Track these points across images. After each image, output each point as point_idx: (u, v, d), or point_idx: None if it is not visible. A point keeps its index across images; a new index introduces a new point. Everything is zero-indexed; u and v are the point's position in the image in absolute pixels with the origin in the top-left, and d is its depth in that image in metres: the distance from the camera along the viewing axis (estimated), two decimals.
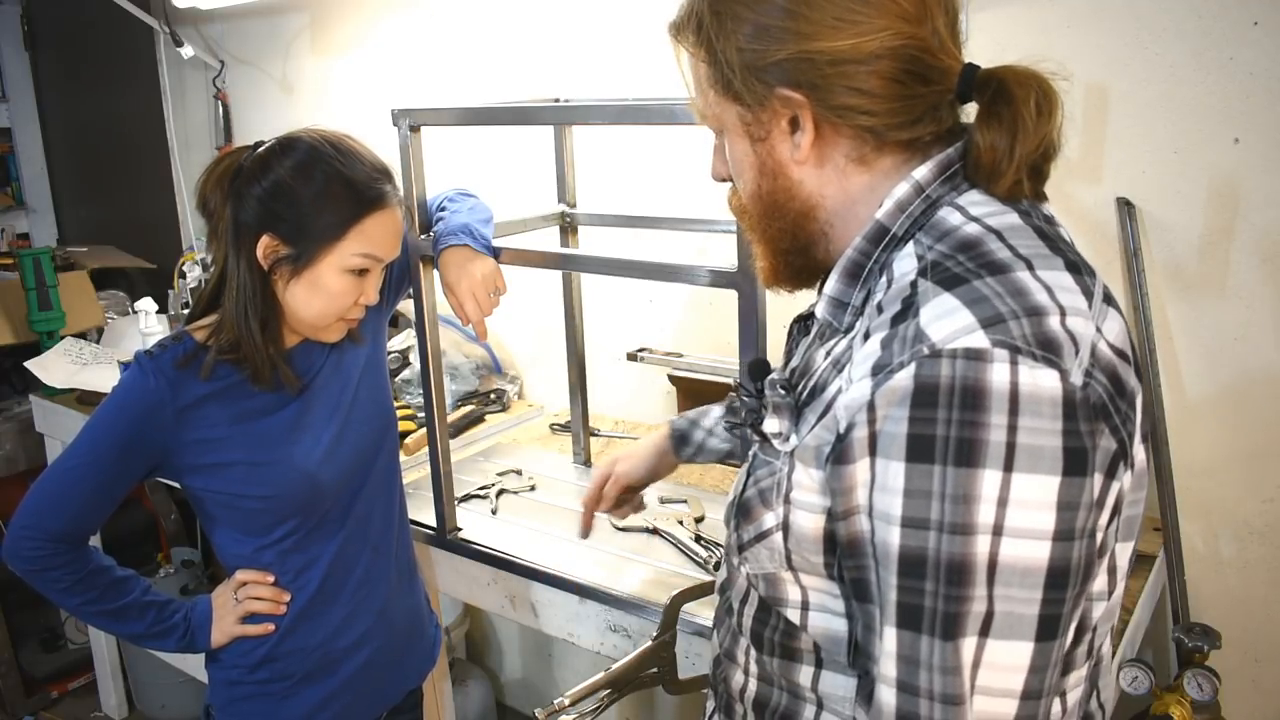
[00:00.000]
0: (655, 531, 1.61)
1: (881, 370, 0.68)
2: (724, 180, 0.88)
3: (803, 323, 0.94)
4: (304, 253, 1.23)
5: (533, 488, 1.83)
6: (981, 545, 0.65)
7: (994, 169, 0.75)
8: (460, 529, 1.67)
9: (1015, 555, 0.65)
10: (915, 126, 0.76)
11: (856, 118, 0.75)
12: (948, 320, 0.67)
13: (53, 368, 2.54)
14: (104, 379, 2.42)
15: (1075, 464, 0.65)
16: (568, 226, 1.83)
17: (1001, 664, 0.67)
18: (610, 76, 2.07)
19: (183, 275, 2.77)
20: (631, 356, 1.96)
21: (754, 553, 0.83)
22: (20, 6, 3.69)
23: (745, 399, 0.87)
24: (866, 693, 0.77)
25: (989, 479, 0.64)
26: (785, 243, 0.83)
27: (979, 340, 0.65)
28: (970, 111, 0.78)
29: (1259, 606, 1.59)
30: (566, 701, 1.11)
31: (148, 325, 2.32)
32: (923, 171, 0.76)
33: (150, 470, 1.29)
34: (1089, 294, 0.72)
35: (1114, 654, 1.36)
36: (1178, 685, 1.49)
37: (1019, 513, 0.64)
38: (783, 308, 1.34)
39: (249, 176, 1.24)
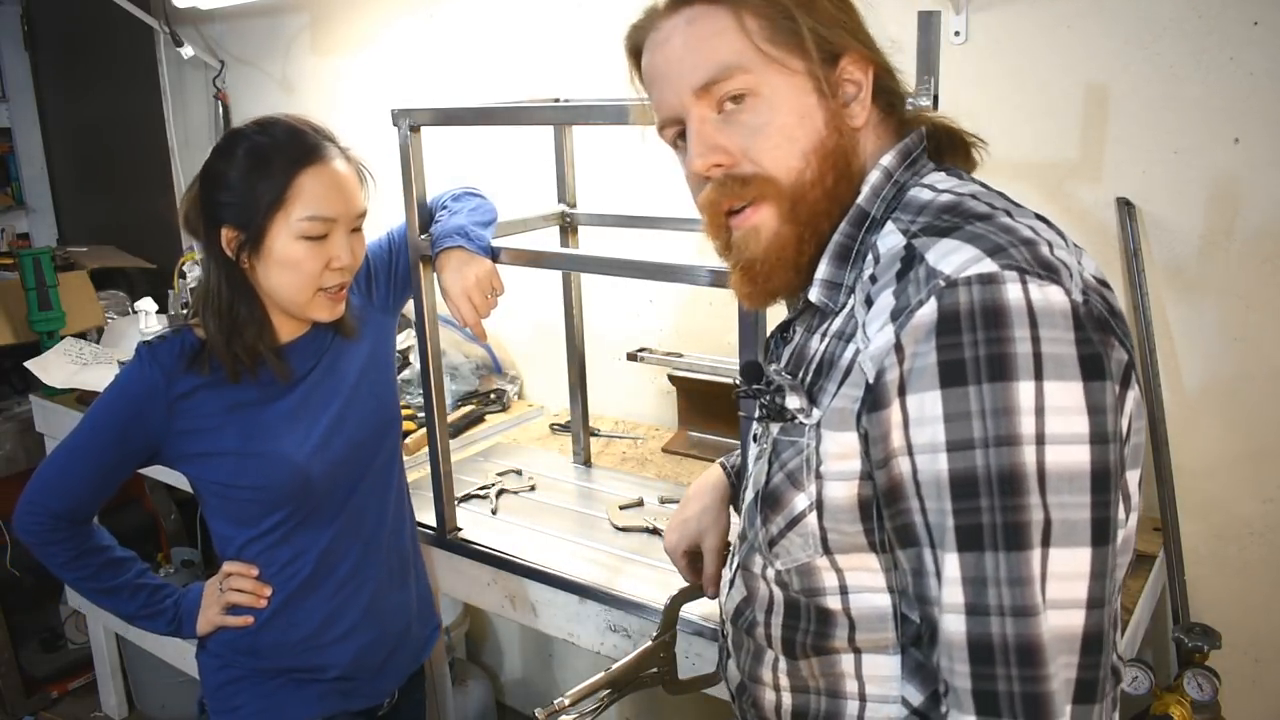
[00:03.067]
0: (655, 531, 1.61)
1: (902, 313, 0.71)
2: (718, 166, 0.83)
3: (780, 334, 0.95)
4: (254, 230, 1.25)
5: (533, 488, 1.83)
6: (1029, 454, 0.67)
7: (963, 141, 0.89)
8: (460, 529, 1.67)
9: (1060, 461, 0.67)
10: (899, 106, 0.87)
11: (893, 84, 0.85)
12: (956, 255, 0.71)
13: (53, 368, 2.54)
14: (104, 379, 2.42)
15: (1094, 369, 0.68)
16: (568, 226, 1.83)
17: (1065, 572, 0.68)
18: (610, 76, 2.07)
19: (183, 275, 2.76)
20: (631, 356, 1.96)
21: (785, 544, 0.82)
22: (20, 6, 3.68)
23: (754, 393, 0.87)
24: (912, 666, 0.78)
25: (1024, 390, 0.67)
26: (836, 208, 0.83)
27: (989, 266, 0.69)
28: None
29: (1259, 607, 1.59)
30: (566, 701, 1.11)
31: (148, 325, 2.33)
32: (889, 159, 0.83)
33: (148, 457, 1.33)
34: (1062, 236, 0.77)
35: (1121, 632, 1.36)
36: (1178, 685, 1.49)
37: (1056, 419, 0.67)
38: (782, 307, 1.34)
39: (201, 183, 1.29)
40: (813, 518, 0.79)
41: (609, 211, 1.86)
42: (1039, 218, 0.78)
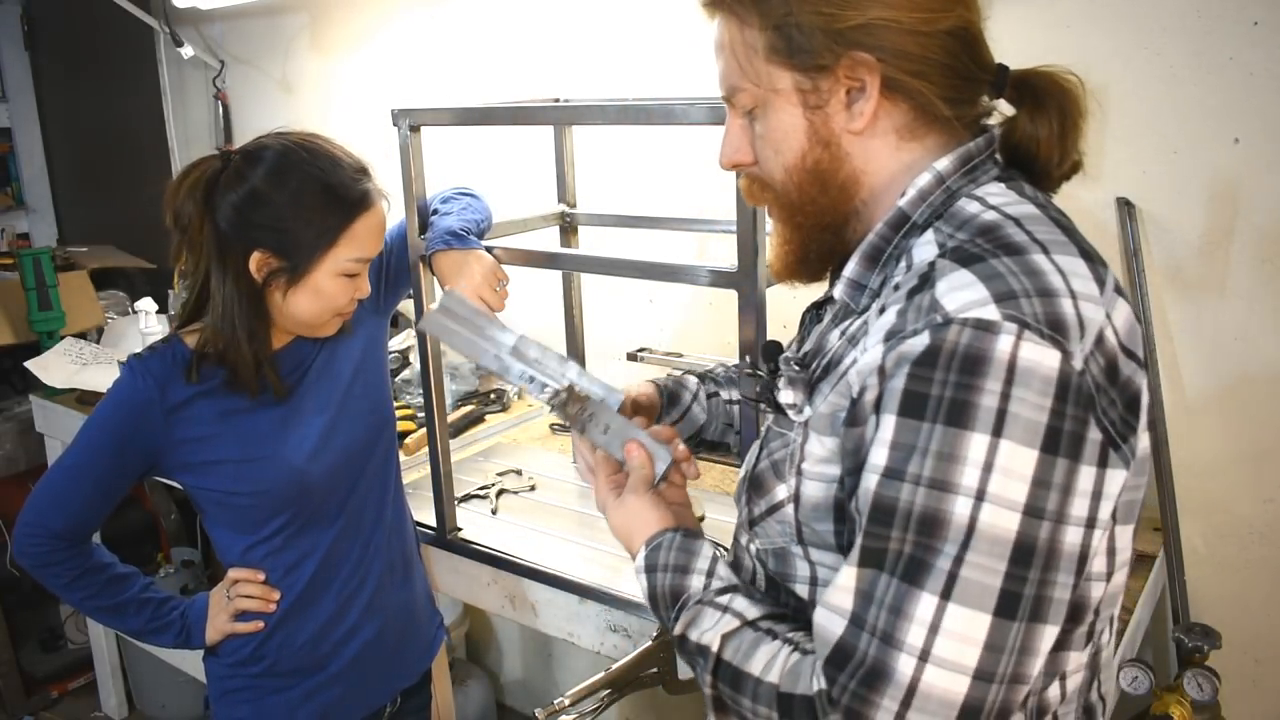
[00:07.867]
0: None
1: (894, 336, 0.71)
2: (735, 166, 0.87)
3: (815, 310, 0.95)
4: (299, 264, 1.25)
5: (533, 488, 1.82)
6: (961, 506, 0.66)
7: (1048, 157, 0.80)
8: (460, 529, 1.67)
9: (990, 522, 0.66)
10: (961, 106, 0.79)
11: (922, 86, 0.77)
12: (963, 292, 0.69)
13: (53, 368, 2.54)
14: (104, 379, 2.42)
15: (1052, 443, 0.66)
16: (568, 226, 1.83)
17: (958, 632, 0.66)
18: (610, 76, 2.07)
19: (183, 275, 2.76)
20: (631, 356, 1.96)
21: (765, 527, 0.84)
22: (20, 6, 3.69)
23: (759, 375, 0.88)
24: None
25: (977, 442, 0.66)
26: (826, 218, 0.83)
27: (991, 313, 0.67)
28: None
29: (1259, 607, 1.59)
30: (566, 701, 1.11)
31: (148, 325, 2.32)
32: (944, 163, 0.79)
33: (146, 469, 1.33)
34: (1101, 282, 0.73)
35: (1115, 652, 1.36)
36: (1178, 685, 1.49)
37: (1000, 479, 0.66)
38: (783, 307, 1.34)
39: (225, 189, 1.24)
40: (790, 509, 0.81)
41: (609, 211, 1.86)
42: (1085, 254, 0.74)
